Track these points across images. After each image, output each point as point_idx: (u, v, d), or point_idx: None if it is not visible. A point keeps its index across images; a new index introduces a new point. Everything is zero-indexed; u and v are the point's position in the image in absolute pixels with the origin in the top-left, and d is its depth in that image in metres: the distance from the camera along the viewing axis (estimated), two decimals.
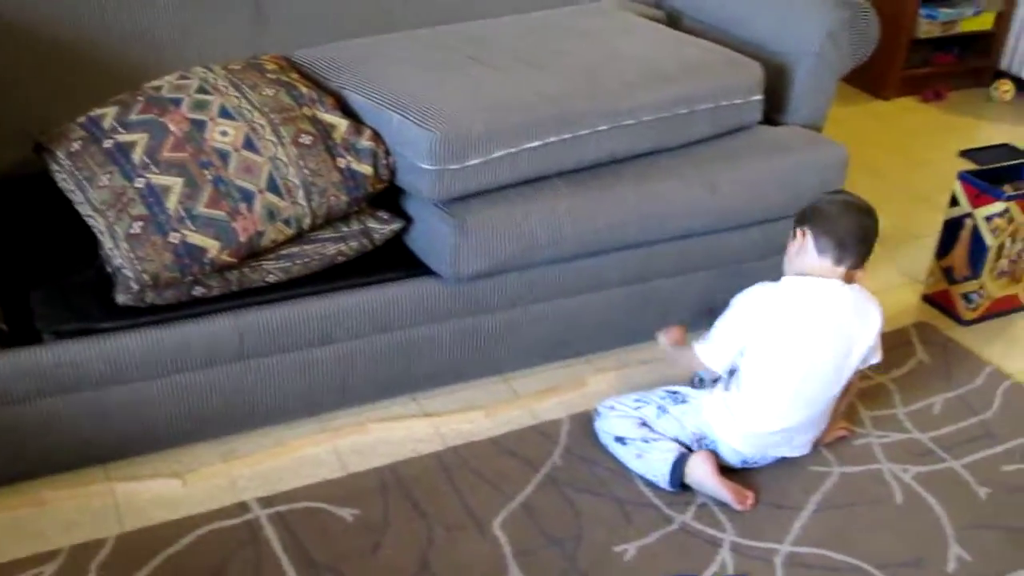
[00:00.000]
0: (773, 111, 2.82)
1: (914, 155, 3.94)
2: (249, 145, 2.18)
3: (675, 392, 2.34)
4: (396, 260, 2.34)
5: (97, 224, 2.10)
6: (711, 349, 2.24)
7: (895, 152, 3.95)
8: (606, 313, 2.56)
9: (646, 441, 2.25)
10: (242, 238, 2.12)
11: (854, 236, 2.24)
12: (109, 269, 2.11)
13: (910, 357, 2.72)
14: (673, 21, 3.13)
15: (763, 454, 2.27)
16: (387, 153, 2.29)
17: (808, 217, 2.26)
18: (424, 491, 2.19)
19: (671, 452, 2.22)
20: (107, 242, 2.08)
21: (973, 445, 2.41)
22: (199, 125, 2.19)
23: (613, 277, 2.51)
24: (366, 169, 2.26)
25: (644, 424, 2.29)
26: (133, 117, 2.20)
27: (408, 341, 2.35)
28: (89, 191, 2.12)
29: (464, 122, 2.23)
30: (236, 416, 2.27)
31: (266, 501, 2.15)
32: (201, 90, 2.26)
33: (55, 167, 2.19)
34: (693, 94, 2.51)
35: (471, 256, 2.26)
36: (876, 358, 2.31)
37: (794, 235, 2.29)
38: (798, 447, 2.30)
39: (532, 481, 2.23)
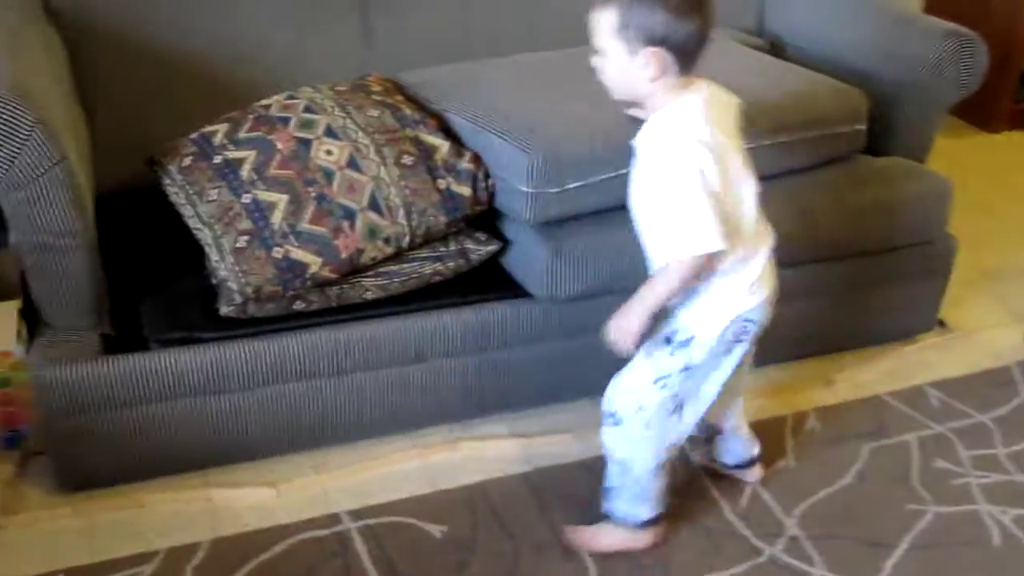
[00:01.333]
0: (877, 142, 2.78)
1: (1022, 190, 3.84)
2: (353, 164, 2.23)
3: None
4: (493, 281, 2.36)
5: (204, 237, 2.17)
6: (701, 231, 1.79)
7: (1003, 187, 3.85)
8: None
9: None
10: (343, 255, 2.17)
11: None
12: (214, 281, 2.18)
13: (1013, 397, 2.64)
14: (776, 50, 3.11)
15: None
16: (487, 175, 2.32)
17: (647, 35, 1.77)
18: (511, 511, 2.20)
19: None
20: (213, 254, 2.15)
21: None
22: (305, 144, 2.25)
23: None
24: (465, 191, 2.29)
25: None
26: (243, 135, 2.28)
27: (501, 361, 2.37)
28: (198, 205, 2.20)
29: (564, 146, 2.25)
30: (330, 429, 2.31)
31: (356, 514, 2.18)
32: (308, 110, 2.32)
33: (167, 181, 2.28)
34: (794, 123, 2.50)
35: (566, 279, 2.28)
36: None
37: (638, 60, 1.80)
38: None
39: None
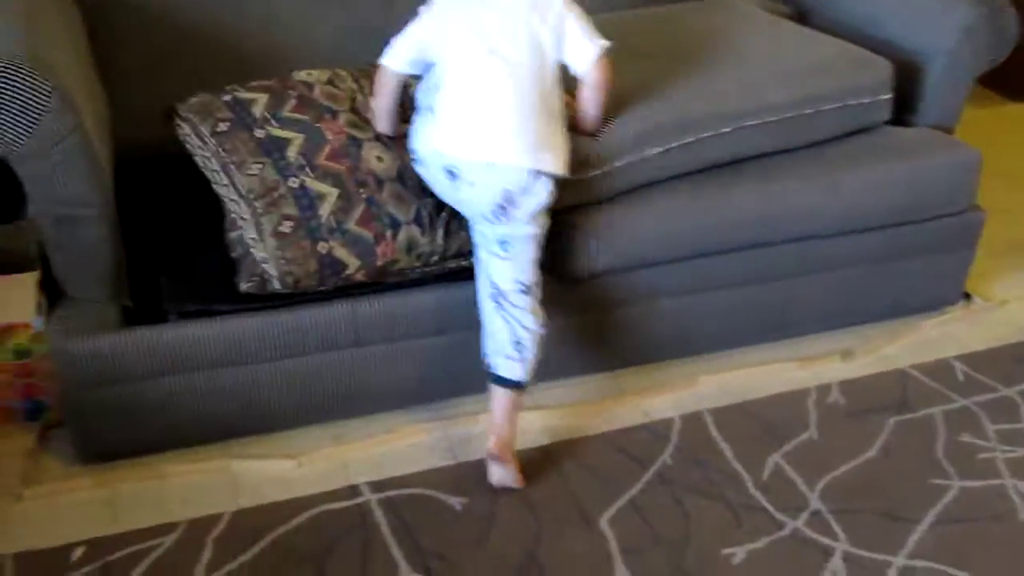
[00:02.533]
0: (903, 112, 2.74)
1: None
2: (401, 180, 2.20)
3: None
4: None
5: (240, 211, 2.12)
6: (391, 49, 2.12)
7: None
8: (722, 313, 2.53)
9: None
10: (379, 263, 2.15)
11: None
12: (234, 254, 2.16)
13: None
14: (802, 17, 3.06)
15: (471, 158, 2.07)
16: None
17: None
18: (533, 484, 2.19)
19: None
20: (250, 232, 2.10)
21: None
22: (356, 143, 2.20)
23: (730, 277, 2.47)
24: None
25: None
26: (287, 113, 2.21)
27: None
28: (236, 176, 2.14)
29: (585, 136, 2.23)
30: (350, 401, 2.31)
31: (376, 486, 2.18)
32: (355, 111, 2.27)
33: (196, 142, 2.20)
34: (819, 93, 2.46)
35: (587, 257, 2.27)
36: (575, 65, 2.13)
37: None
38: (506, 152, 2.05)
39: (641, 479, 2.22)
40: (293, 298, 2.16)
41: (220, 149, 2.17)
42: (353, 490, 2.17)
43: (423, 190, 2.20)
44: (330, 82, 2.31)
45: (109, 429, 2.17)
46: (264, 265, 2.09)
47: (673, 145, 2.30)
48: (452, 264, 2.28)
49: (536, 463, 2.25)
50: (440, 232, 2.21)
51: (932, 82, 2.70)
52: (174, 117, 2.25)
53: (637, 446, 2.30)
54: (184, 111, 2.24)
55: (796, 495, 2.19)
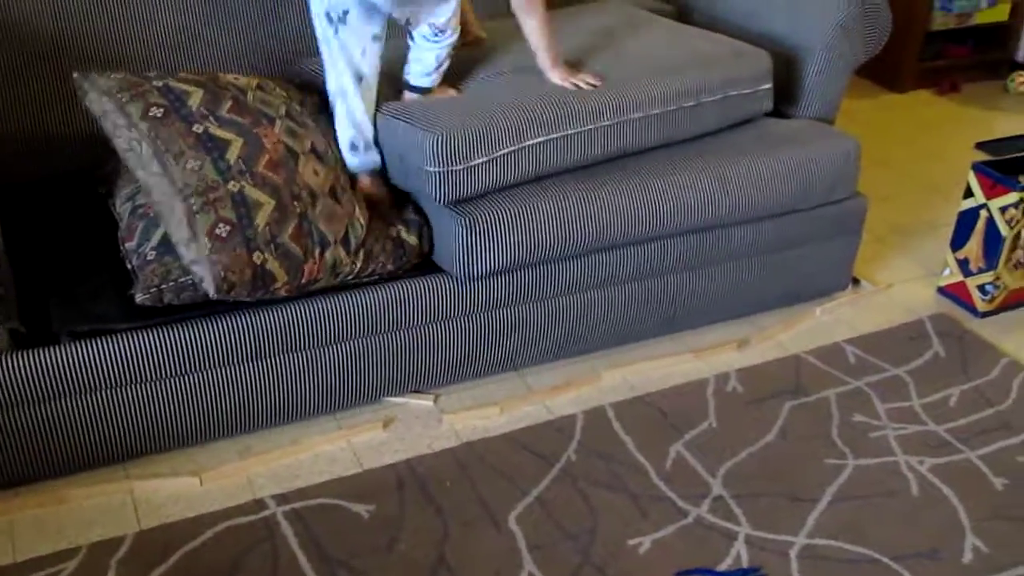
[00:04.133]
0: (785, 104, 2.82)
1: (929, 147, 3.93)
2: (334, 195, 2.19)
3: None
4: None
5: (170, 205, 2.06)
6: None
7: (910, 145, 3.94)
8: (618, 308, 2.57)
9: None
10: (303, 279, 2.14)
11: None
12: (130, 265, 2.12)
13: (926, 349, 2.71)
14: (684, 16, 3.13)
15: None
16: (428, 225, 2.34)
17: None
18: (440, 486, 2.20)
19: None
20: (182, 231, 2.04)
21: (989, 436, 2.41)
22: (293, 154, 2.19)
23: (624, 272, 2.51)
24: (413, 240, 2.31)
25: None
26: (225, 113, 2.18)
27: (422, 338, 2.37)
28: (173, 168, 2.08)
29: (467, 122, 2.24)
30: (252, 414, 2.29)
31: (282, 498, 2.16)
32: (290, 117, 2.26)
33: (120, 121, 2.12)
34: (700, 86, 2.52)
35: (481, 256, 2.28)
36: None
37: None
38: None
39: (547, 476, 2.24)
40: (187, 312, 2.14)
41: (154, 135, 2.10)
42: (259, 504, 2.15)
43: (354, 208, 2.20)
44: (260, 88, 2.30)
45: (5, 455, 2.11)
46: (195, 267, 2.04)
47: (555, 135, 2.32)
48: (363, 280, 2.29)
49: (442, 466, 2.26)
50: (361, 254, 2.21)
51: (811, 75, 2.79)
52: (87, 88, 2.17)
53: (542, 443, 2.33)
54: (108, 85, 2.16)
55: (698, 483, 2.24)
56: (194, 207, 2.05)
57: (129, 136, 2.12)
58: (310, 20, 2.35)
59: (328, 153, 2.27)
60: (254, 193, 2.10)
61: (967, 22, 4.44)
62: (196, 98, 2.18)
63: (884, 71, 4.39)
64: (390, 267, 2.29)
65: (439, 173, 2.22)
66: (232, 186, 2.09)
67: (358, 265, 2.22)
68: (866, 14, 2.76)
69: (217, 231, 2.04)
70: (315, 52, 2.39)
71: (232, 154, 2.12)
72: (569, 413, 2.43)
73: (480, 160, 2.25)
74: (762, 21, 2.90)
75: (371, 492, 2.18)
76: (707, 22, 3.02)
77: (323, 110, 2.39)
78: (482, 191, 2.30)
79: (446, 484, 2.20)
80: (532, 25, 2.38)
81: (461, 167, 2.23)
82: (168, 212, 2.06)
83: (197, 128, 2.13)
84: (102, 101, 2.16)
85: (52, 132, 2.43)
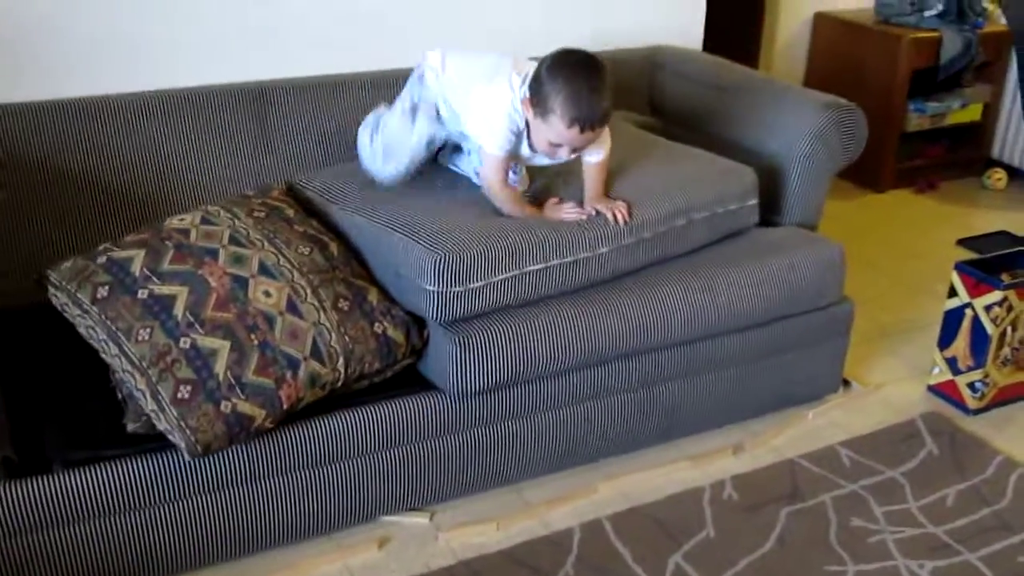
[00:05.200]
0: (769, 212, 2.87)
1: (912, 246, 3.98)
2: (293, 308, 2.18)
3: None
4: (401, 375, 2.35)
5: (134, 382, 2.05)
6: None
7: (893, 244, 4.00)
8: (613, 419, 2.57)
9: None
10: (285, 405, 2.12)
11: None
12: (119, 396, 2.13)
13: (920, 449, 2.71)
14: (667, 130, 3.20)
15: None
16: (421, 323, 2.35)
17: None
18: None
19: None
20: (148, 404, 2.03)
21: (988, 536, 2.40)
22: (241, 283, 2.17)
23: (618, 384, 2.52)
24: (400, 337, 2.29)
25: None
26: (167, 267, 2.16)
27: (416, 455, 2.36)
28: (125, 344, 2.06)
29: (468, 245, 2.27)
30: (246, 538, 2.26)
31: None
32: (235, 241, 2.25)
33: (76, 311, 2.13)
34: (690, 206, 2.57)
35: (474, 373, 2.28)
36: None
37: None
38: None
39: None
40: None
41: (104, 317, 2.10)
42: None
43: (319, 312, 2.20)
44: (204, 221, 2.29)
45: None
46: (170, 437, 2.03)
47: (554, 262, 2.36)
48: (357, 387, 2.28)
49: None
50: (340, 360, 2.20)
51: (793, 184, 2.85)
52: (47, 286, 2.19)
53: (539, 559, 2.31)
54: (58, 279, 2.17)
55: None
56: (154, 378, 2.03)
57: (85, 324, 2.12)
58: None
59: (279, 262, 2.24)
60: (207, 342, 2.08)
61: (941, 123, 4.56)
62: (138, 262, 2.16)
63: (863, 172, 4.46)
64: (377, 366, 2.26)
65: (437, 294, 2.25)
66: (183, 343, 2.07)
67: (341, 372, 2.21)
68: (842, 122, 2.83)
69: (179, 395, 2.02)
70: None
71: (179, 308, 2.10)
72: (566, 527, 2.41)
73: (479, 284, 2.28)
74: (741, 132, 2.97)
75: None
76: (688, 134, 3.09)
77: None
78: (478, 313, 2.32)
79: None
80: (600, 159, 2.47)
81: (460, 289, 2.26)
82: (134, 388, 2.06)
83: (141, 294, 2.11)
84: (59, 295, 2.17)
85: (47, 259, 2.44)
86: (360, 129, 2.58)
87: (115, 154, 2.60)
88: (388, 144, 2.51)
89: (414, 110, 2.48)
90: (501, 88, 2.36)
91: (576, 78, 2.22)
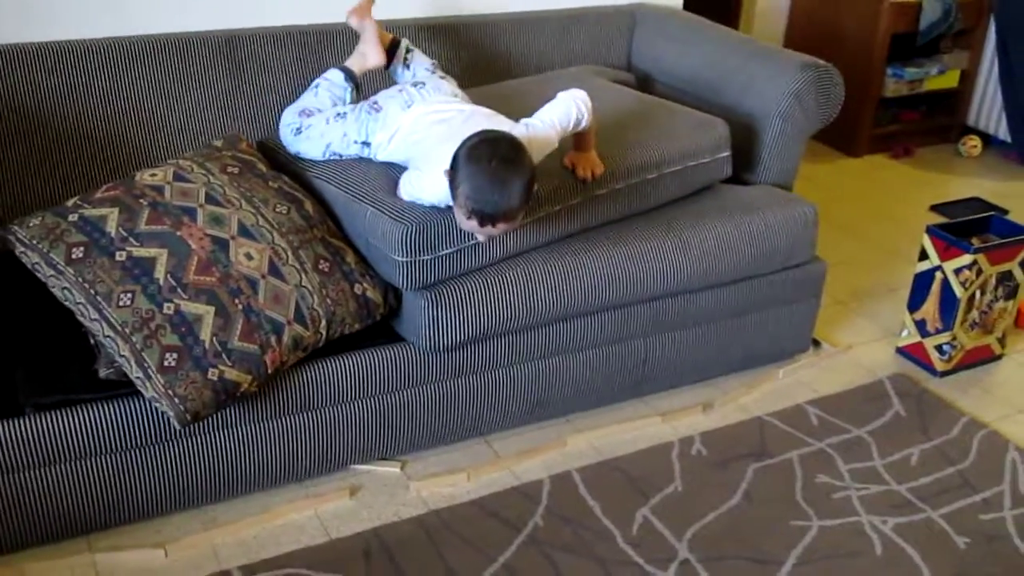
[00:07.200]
0: (744, 171, 2.89)
1: (886, 210, 4.01)
2: (275, 271, 2.17)
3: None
4: (375, 328, 2.36)
5: (117, 348, 2.02)
6: None
7: (867, 208, 4.02)
8: (584, 374, 2.59)
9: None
10: (269, 370, 2.12)
11: None
12: (92, 341, 2.13)
13: (887, 409, 2.75)
14: (643, 84, 3.21)
15: None
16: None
17: None
18: (407, 555, 2.20)
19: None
20: (133, 370, 2.01)
21: (951, 495, 2.44)
22: (222, 245, 2.15)
23: (589, 339, 2.54)
24: (378, 297, 2.29)
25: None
26: (144, 227, 2.13)
27: (389, 406, 2.37)
28: (106, 309, 2.04)
29: (436, 213, 2.26)
30: (218, 484, 2.28)
31: (248, 569, 2.15)
32: (211, 200, 2.22)
33: (48, 271, 2.08)
34: (661, 158, 2.58)
35: (446, 330, 2.29)
36: None
37: None
38: None
39: (514, 542, 2.24)
40: None
41: (81, 279, 2.06)
42: (225, 575, 2.13)
43: (301, 274, 2.20)
44: (178, 178, 2.26)
45: None
46: (156, 404, 2.03)
47: (524, 220, 2.35)
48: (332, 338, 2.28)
49: (409, 534, 2.25)
50: (323, 323, 2.20)
51: (768, 143, 2.86)
52: (15, 242, 2.13)
53: (509, 510, 2.33)
54: (28, 237, 2.11)
55: (665, 547, 2.25)
56: (138, 345, 2.01)
57: (60, 285, 2.08)
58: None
59: (258, 222, 2.22)
60: (191, 307, 2.06)
61: (919, 88, 4.57)
62: (113, 221, 2.12)
63: (841, 136, 4.49)
64: (357, 327, 2.27)
65: (407, 263, 2.25)
66: (168, 308, 2.05)
67: (323, 334, 2.21)
68: (819, 83, 2.83)
69: (166, 363, 2.01)
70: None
71: (160, 272, 2.08)
72: (536, 479, 2.44)
73: (448, 250, 2.28)
74: (719, 91, 2.97)
75: (338, 562, 2.17)
76: (666, 91, 3.09)
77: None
78: (448, 277, 2.32)
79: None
80: (589, 126, 2.40)
81: (429, 257, 2.26)
82: (116, 353, 2.04)
83: (120, 256, 2.08)
84: (29, 254, 2.11)
85: (21, 205, 2.43)
86: (282, 127, 2.56)
87: (86, 100, 2.58)
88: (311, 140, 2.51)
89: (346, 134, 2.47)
90: (436, 184, 2.22)
91: (481, 172, 2.10)
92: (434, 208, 2.27)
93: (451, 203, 2.17)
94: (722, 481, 2.46)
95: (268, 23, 2.84)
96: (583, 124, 2.37)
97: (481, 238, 2.24)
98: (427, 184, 2.25)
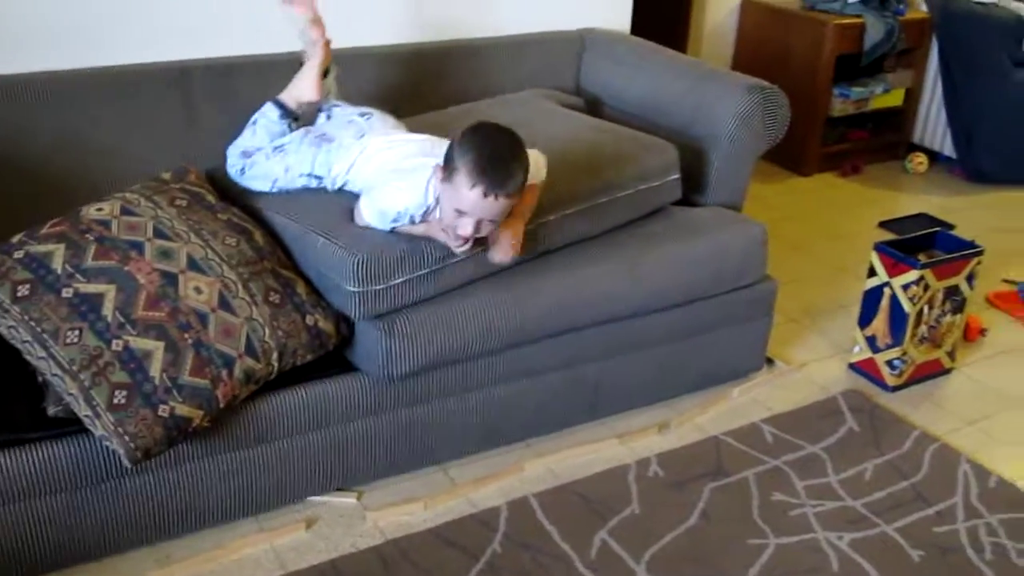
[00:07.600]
0: (694, 193, 2.91)
1: (836, 228, 4.06)
2: (225, 305, 2.15)
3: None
4: (329, 358, 2.34)
5: (64, 386, 2.00)
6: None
7: (817, 226, 4.07)
8: (538, 399, 2.59)
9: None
10: (222, 404, 2.10)
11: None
12: (40, 379, 2.10)
13: (840, 426, 2.77)
14: (592, 107, 3.23)
15: None
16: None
17: None
18: None
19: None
20: (82, 408, 1.99)
21: (905, 509, 2.46)
22: (170, 279, 2.13)
23: (543, 364, 2.54)
24: (330, 328, 2.27)
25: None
26: (90, 263, 2.10)
27: (344, 436, 2.36)
28: (53, 347, 2.01)
29: (388, 242, 2.26)
30: (172, 521, 2.25)
31: None
32: (159, 234, 2.19)
33: None
34: (611, 182, 2.59)
35: (401, 358, 2.29)
36: None
37: None
38: None
39: (472, 570, 2.23)
40: None
41: (27, 317, 2.03)
42: None
43: (251, 307, 2.18)
44: (125, 212, 2.23)
45: None
46: (107, 443, 2.00)
47: (476, 249, 2.34)
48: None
49: (367, 565, 2.24)
50: (275, 355, 2.18)
51: (716, 165, 2.89)
52: None
53: (466, 538, 2.32)
54: None
55: (624, 569, 2.25)
56: (86, 383, 1.99)
57: (6, 323, 2.05)
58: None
59: (208, 255, 2.20)
60: (140, 343, 2.04)
61: (865, 107, 4.65)
62: (59, 257, 2.10)
63: (790, 156, 4.55)
64: (310, 357, 2.26)
65: (359, 293, 2.24)
66: (116, 345, 2.03)
67: (275, 366, 2.20)
68: (766, 105, 2.87)
69: (116, 401, 1.99)
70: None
71: (108, 308, 2.05)
72: (493, 505, 2.43)
73: (400, 279, 2.28)
74: (668, 113, 3.00)
75: None
76: (615, 115, 3.12)
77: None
78: (402, 306, 2.32)
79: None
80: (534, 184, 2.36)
81: (381, 286, 2.26)
82: (64, 391, 2.01)
83: (66, 293, 2.06)
84: None
85: None
86: (228, 168, 2.57)
87: (33, 134, 2.55)
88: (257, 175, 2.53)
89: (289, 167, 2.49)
90: (415, 189, 2.26)
91: (487, 144, 2.14)
92: (387, 236, 2.27)
93: (431, 204, 2.23)
94: (679, 502, 2.46)
95: (218, 54, 2.83)
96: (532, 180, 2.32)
97: (460, 246, 2.23)
98: (405, 188, 2.28)
